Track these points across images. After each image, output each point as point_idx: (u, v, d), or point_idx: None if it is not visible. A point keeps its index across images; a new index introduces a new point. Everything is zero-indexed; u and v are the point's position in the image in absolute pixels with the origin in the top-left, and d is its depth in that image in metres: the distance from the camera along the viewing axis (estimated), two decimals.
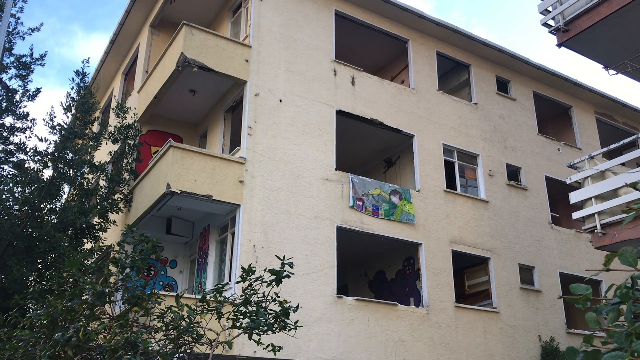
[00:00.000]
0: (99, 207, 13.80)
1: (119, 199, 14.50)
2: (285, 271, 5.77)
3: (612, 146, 10.79)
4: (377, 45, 17.47)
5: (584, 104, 20.91)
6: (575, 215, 10.55)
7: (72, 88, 14.22)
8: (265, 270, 5.92)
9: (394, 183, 15.93)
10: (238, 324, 5.86)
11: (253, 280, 5.94)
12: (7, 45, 13.54)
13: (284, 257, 5.94)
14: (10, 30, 13.65)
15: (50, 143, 13.52)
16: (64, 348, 5.11)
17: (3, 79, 13.68)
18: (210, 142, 15.09)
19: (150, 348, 5.15)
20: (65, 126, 13.68)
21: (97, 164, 14.15)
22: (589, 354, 2.08)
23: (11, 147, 13.41)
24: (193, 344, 5.63)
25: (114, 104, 17.79)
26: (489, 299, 15.76)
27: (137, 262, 5.87)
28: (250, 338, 5.82)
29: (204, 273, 13.57)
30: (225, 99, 14.70)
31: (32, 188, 12.63)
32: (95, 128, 15.76)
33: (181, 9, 16.45)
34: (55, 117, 13.92)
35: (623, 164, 10.45)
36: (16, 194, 12.88)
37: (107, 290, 5.71)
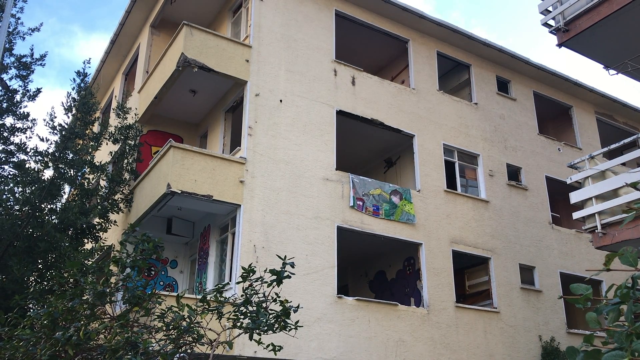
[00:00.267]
0: (99, 207, 13.81)
1: (119, 199, 14.51)
2: (285, 271, 5.77)
3: (613, 146, 10.79)
4: (377, 46, 17.47)
5: (584, 104, 20.92)
6: (576, 215, 10.55)
7: (73, 88, 14.25)
8: (265, 270, 5.93)
9: (394, 183, 15.93)
10: (239, 324, 5.86)
11: (254, 280, 5.94)
12: (7, 46, 13.55)
13: (285, 257, 5.94)
14: (10, 30, 13.66)
15: (50, 143, 13.53)
16: (65, 347, 5.12)
17: (4, 79, 13.70)
18: (210, 142, 15.10)
19: (150, 348, 5.16)
20: (66, 126, 13.68)
21: (97, 164, 14.16)
22: (590, 353, 2.08)
23: (12, 147, 13.42)
24: (194, 344, 5.64)
25: (114, 104, 17.81)
26: (489, 299, 15.76)
27: (138, 262, 5.87)
28: (250, 338, 5.82)
29: (205, 273, 13.57)
30: (225, 99, 14.70)
31: (33, 188, 12.64)
32: (96, 128, 15.77)
33: (181, 9, 16.45)
34: (55, 117, 13.94)
35: (623, 164, 10.46)
36: (17, 194, 12.90)
37: (107, 290, 5.71)
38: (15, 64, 13.83)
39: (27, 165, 13.23)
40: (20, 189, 12.96)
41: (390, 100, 15.82)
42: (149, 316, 5.74)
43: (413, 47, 17.01)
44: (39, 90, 14.01)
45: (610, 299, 2.20)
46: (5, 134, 13.41)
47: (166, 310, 5.62)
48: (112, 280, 6.08)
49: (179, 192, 12.00)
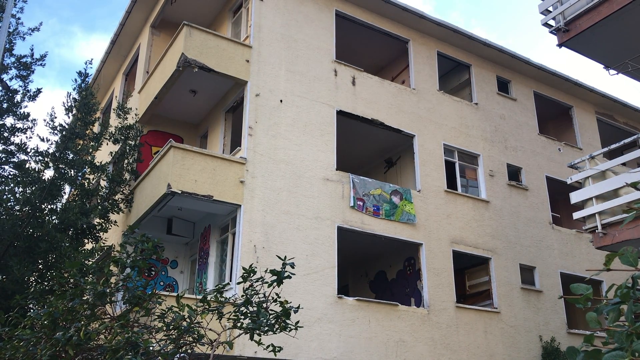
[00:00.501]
0: (99, 207, 13.81)
1: (119, 199, 14.51)
2: (286, 271, 5.76)
3: (613, 146, 10.79)
4: (377, 46, 17.47)
5: (584, 104, 20.91)
6: (576, 215, 10.55)
7: (74, 89, 14.25)
8: (266, 270, 5.92)
9: (394, 183, 15.93)
10: (239, 324, 5.86)
11: (254, 280, 5.94)
12: (7, 46, 13.55)
13: (285, 257, 5.94)
14: (10, 30, 13.66)
15: (51, 143, 13.54)
16: (65, 348, 5.12)
17: (4, 80, 13.70)
18: (211, 142, 15.10)
19: (151, 348, 5.16)
20: (66, 126, 13.69)
21: (98, 164, 14.16)
22: (590, 353, 2.08)
23: (12, 147, 13.42)
24: (194, 344, 5.64)
25: (114, 105, 17.81)
26: (489, 299, 15.76)
27: (138, 263, 5.87)
28: (251, 338, 5.82)
29: (205, 273, 13.58)
30: (226, 99, 14.71)
31: (33, 188, 12.64)
32: (96, 128, 15.77)
33: (182, 10, 16.46)
34: (56, 117, 13.95)
35: (624, 164, 10.46)
36: (17, 195, 12.90)
37: (108, 290, 5.71)
38: (15, 64, 13.84)
39: (27, 166, 13.23)
40: (20, 189, 12.96)
41: (390, 100, 15.82)
42: (149, 316, 5.74)
43: (413, 47, 17.01)
44: (39, 91, 14.01)
45: (611, 299, 2.20)
46: (6, 134, 13.41)
47: (166, 310, 5.62)
48: (112, 280, 6.08)
49: (179, 192, 12.00)
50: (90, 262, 11.99)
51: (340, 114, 14.80)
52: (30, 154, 13.40)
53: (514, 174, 17.90)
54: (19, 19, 14.49)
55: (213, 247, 13.53)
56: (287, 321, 5.91)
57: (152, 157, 14.73)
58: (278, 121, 13.71)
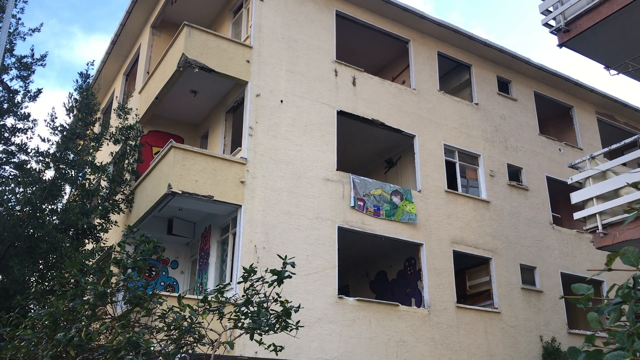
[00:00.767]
0: (100, 207, 13.82)
1: (120, 199, 14.51)
2: (286, 271, 5.76)
3: (613, 146, 10.80)
4: (378, 46, 17.48)
5: (585, 104, 20.91)
6: (577, 215, 10.55)
7: (75, 89, 14.25)
8: (266, 270, 5.93)
9: (395, 183, 15.93)
10: (239, 324, 5.86)
11: (254, 280, 5.94)
12: (8, 46, 13.55)
13: (286, 257, 5.94)
14: (11, 31, 13.66)
15: (52, 144, 13.54)
16: (66, 348, 5.12)
17: (4, 80, 13.70)
18: (211, 142, 15.10)
19: (152, 348, 5.16)
20: (67, 127, 13.69)
21: (98, 164, 14.16)
22: (591, 354, 2.08)
23: (13, 148, 13.42)
24: (195, 344, 5.64)
25: (115, 105, 17.81)
26: (490, 300, 15.76)
27: (138, 263, 5.88)
28: (251, 338, 5.82)
29: (205, 273, 13.58)
30: (226, 99, 14.71)
31: (34, 189, 12.64)
32: (97, 129, 15.77)
33: (182, 10, 16.47)
34: (56, 117, 13.95)
35: (624, 164, 10.46)
36: (18, 195, 12.90)
37: (108, 290, 5.72)
38: (16, 65, 13.84)
39: (28, 166, 13.24)
40: (21, 190, 12.96)
41: (391, 100, 15.82)
42: (150, 316, 5.74)
43: (414, 48, 17.02)
44: (39, 91, 14.01)
45: (612, 299, 2.20)
46: (6, 135, 13.41)
47: (167, 310, 5.63)
48: (113, 280, 6.08)
49: (180, 192, 12.01)
50: (91, 263, 12.03)
51: (341, 114, 14.80)
52: (30, 154, 13.41)
53: (514, 174, 17.90)
54: (19, 19, 14.51)
55: (213, 247, 13.53)
56: (288, 321, 5.91)
57: (153, 158, 14.73)
58: (278, 121, 13.72)
